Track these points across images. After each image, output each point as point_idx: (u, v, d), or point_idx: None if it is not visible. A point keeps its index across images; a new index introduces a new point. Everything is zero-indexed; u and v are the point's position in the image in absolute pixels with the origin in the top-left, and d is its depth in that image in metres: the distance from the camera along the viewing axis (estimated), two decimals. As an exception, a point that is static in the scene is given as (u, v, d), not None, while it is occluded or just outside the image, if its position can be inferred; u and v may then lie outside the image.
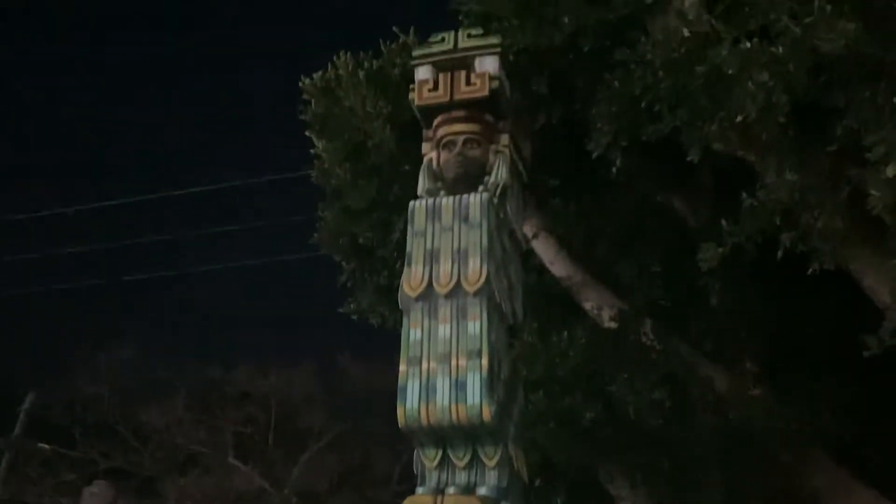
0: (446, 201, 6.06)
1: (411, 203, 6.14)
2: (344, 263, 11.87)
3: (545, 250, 10.21)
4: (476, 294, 5.61)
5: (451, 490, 5.38)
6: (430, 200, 6.13)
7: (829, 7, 5.20)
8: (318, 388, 31.62)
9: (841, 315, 8.50)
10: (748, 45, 5.81)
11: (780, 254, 6.82)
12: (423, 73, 6.65)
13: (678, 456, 8.76)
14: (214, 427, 30.55)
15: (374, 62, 10.07)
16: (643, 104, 6.91)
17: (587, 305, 9.90)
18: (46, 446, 28.33)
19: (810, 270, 6.81)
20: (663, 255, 9.94)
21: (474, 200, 6.02)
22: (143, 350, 33.75)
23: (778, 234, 6.87)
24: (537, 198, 9.87)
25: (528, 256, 9.15)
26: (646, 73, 6.74)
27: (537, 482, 9.34)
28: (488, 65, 6.49)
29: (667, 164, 8.50)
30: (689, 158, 6.91)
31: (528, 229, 9.19)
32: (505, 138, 6.57)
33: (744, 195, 6.80)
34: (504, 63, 6.61)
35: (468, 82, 6.41)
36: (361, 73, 9.60)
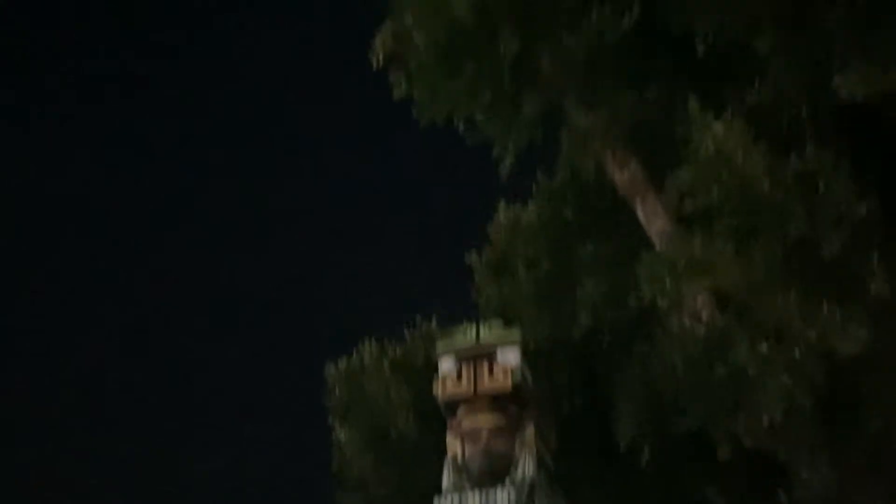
0: (472, 499, 5.91)
1: (436, 500, 5.99)
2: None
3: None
4: None
5: None
6: (456, 497, 6.00)
7: (838, 311, 5.41)
8: None
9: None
10: (765, 346, 5.97)
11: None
12: (446, 365, 6.79)
13: None
14: None
15: (398, 349, 10.30)
16: (666, 398, 6.94)
17: None
18: None
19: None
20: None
21: (501, 495, 5.88)
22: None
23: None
24: (567, 490, 9.55)
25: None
26: (666, 367, 6.85)
27: None
28: (510, 357, 6.66)
29: (698, 458, 8.29)
30: (719, 455, 6.77)
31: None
32: (530, 429, 6.55)
33: (780, 493, 6.58)
34: (526, 352, 6.75)
35: (491, 375, 6.53)
36: (386, 363, 9.80)
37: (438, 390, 6.64)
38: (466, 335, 6.95)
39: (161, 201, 20.72)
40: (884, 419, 5.91)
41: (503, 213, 9.80)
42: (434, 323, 10.50)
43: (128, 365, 19.45)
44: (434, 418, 7.46)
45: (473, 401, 6.51)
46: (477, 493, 5.97)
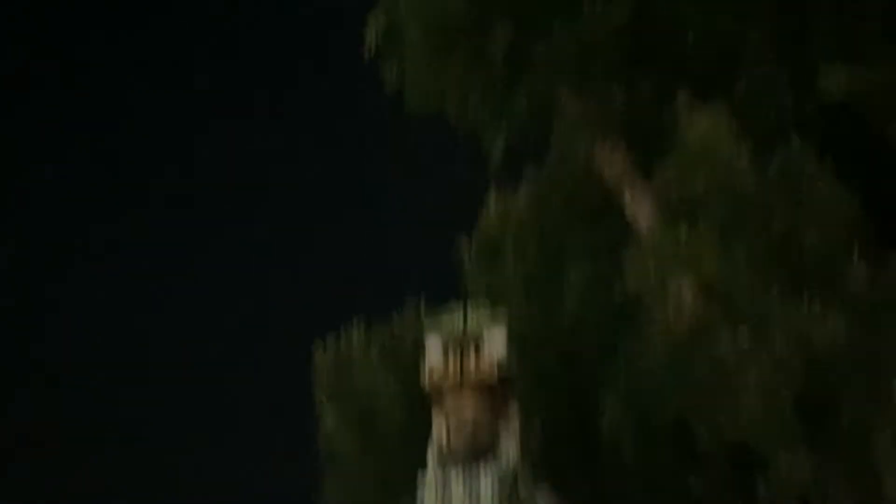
0: (457, 479, 6.02)
1: (419, 477, 6.10)
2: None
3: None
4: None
5: None
6: (440, 481, 6.09)
7: (818, 304, 5.52)
8: None
9: None
10: (746, 338, 6.07)
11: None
12: (433, 352, 6.86)
13: None
14: None
15: (387, 336, 10.37)
16: (648, 388, 7.05)
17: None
18: None
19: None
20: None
21: (485, 481, 5.97)
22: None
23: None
24: (550, 475, 9.68)
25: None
26: (649, 358, 6.95)
27: None
28: (497, 344, 6.74)
29: (680, 448, 8.42)
30: (700, 445, 6.89)
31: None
32: (514, 414, 6.64)
33: (759, 483, 6.70)
34: (512, 340, 6.83)
35: (477, 362, 6.61)
36: (374, 349, 9.87)
37: (425, 377, 6.71)
38: (454, 321, 7.02)
39: (147, 171, 20.48)
40: (860, 412, 6.03)
41: (493, 202, 9.88)
42: (422, 307, 10.59)
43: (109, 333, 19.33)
44: (421, 403, 7.54)
45: (459, 388, 6.58)
46: (461, 477, 6.04)
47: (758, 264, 6.25)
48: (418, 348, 7.57)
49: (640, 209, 7.88)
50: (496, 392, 6.60)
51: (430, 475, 6.21)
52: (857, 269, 6.29)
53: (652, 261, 6.60)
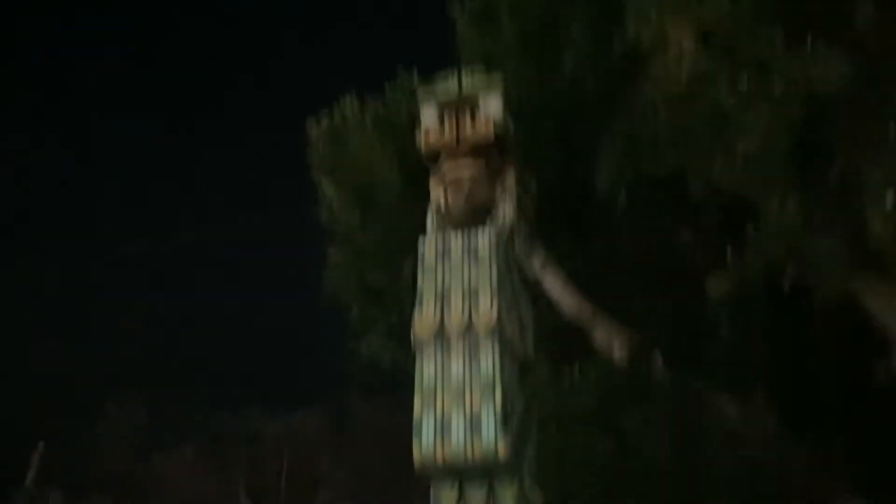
0: (455, 240, 6.14)
1: (420, 240, 6.22)
2: (353, 305, 11.93)
3: (553, 286, 10.25)
4: (488, 332, 5.68)
5: (468, 525, 5.39)
6: (440, 238, 6.21)
7: (822, 47, 5.35)
8: (327, 430, 31.52)
9: (849, 344, 8.52)
10: (746, 82, 5.95)
11: (786, 285, 6.88)
12: (428, 116, 6.77)
13: (692, 488, 8.73)
14: (225, 473, 30.39)
15: (380, 106, 10.26)
16: (646, 141, 7.03)
17: (597, 340, 9.93)
18: (59, 494, 28.21)
19: (817, 303, 6.86)
20: (672, 289, 9.98)
21: (482, 237, 6.09)
22: (152, 398, 33.81)
23: (783, 267, 6.93)
24: (545, 234, 9.96)
25: (537, 293, 9.20)
26: (647, 111, 6.88)
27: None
28: (492, 105, 6.62)
29: (673, 202, 8.59)
30: (693, 195, 7.01)
31: (536, 265, 9.25)
32: (511, 176, 6.67)
33: (748, 229, 6.89)
34: (508, 101, 6.73)
35: (473, 124, 6.54)
36: (368, 119, 9.79)
37: (420, 141, 6.67)
38: (448, 85, 6.85)
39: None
40: (854, 160, 6.06)
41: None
42: (415, 77, 10.38)
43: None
44: (417, 171, 7.58)
45: (456, 150, 6.56)
46: (459, 233, 6.18)
47: (761, 7, 5.99)
48: (413, 117, 7.49)
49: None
50: (493, 154, 6.58)
51: (430, 237, 6.32)
52: (863, 9, 6.04)
53: (653, 8, 6.32)
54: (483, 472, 5.44)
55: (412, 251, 6.58)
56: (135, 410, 32.79)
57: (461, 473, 5.48)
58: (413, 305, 6.03)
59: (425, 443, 5.43)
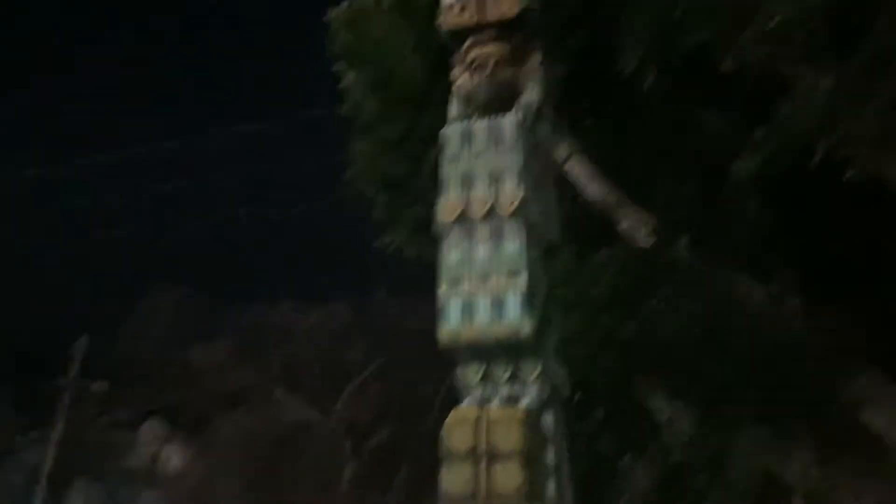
0: (479, 124, 6.05)
1: (444, 128, 6.14)
2: (377, 198, 11.95)
3: (579, 171, 10.18)
4: (512, 215, 5.67)
5: (494, 403, 5.55)
6: (463, 124, 6.13)
7: None
8: (356, 323, 32.27)
9: (877, 224, 8.43)
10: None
11: (815, 160, 6.75)
12: (449, -5, 6.56)
13: (715, 370, 8.88)
14: (261, 364, 31.43)
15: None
16: (674, 17, 6.79)
17: (622, 225, 9.92)
18: (103, 385, 29.36)
19: (846, 177, 6.74)
20: (698, 171, 9.87)
21: (507, 122, 6.00)
22: (188, 292, 34.76)
23: (812, 144, 6.79)
24: (570, 119, 9.79)
25: (562, 178, 9.16)
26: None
27: (577, 396, 9.53)
28: (516, -17, 6.38)
29: (699, 81, 8.36)
30: (722, 70, 6.80)
31: (561, 151, 9.18)
32: (536, 58, 6.48)
33: (779, 103, 6.71)
34: (532, -20, 6.48)
35: (496, 3, 6.34)
36: (387, 2, 9.53)
37: (442, 21, 6.48)
38: (470, -38, 6.58)
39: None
40: (889, 32, 5.80)
41: None
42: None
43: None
44: (440, 59, 7.42)
45: (479, 30, 6.37)
46: (485, 119, 6.09)
47: None
48: (432, 2, 7.26)
49: None
50: (516, 32, 6.40)
51: (453, 123, 6.24)
52: None
53: None
54: (507, 351, 5.54)
55: (435, 141, 6.52)
56: (174, 303, 33.82)
57: (487, 353, 5.59)
58: (437, 196, 6.00)
59: (451, 324, 5.53)
